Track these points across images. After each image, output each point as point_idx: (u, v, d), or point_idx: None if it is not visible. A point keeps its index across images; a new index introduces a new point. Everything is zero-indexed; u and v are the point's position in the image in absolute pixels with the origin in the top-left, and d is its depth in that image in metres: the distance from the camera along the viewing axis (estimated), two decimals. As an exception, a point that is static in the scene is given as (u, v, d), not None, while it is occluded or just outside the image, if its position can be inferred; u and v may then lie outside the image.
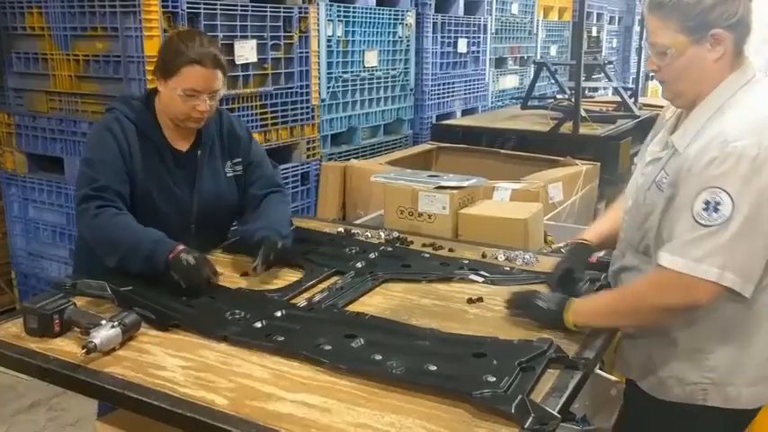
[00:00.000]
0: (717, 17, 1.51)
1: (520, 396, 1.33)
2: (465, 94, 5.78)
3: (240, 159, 2.26)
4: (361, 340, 1.58)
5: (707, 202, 1.44)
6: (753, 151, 1.43)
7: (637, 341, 1.73)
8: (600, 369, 2.46)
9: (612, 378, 2.34)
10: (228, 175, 2.23)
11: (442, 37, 5.31)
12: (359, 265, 2.10)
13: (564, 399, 1.39)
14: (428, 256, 2.24)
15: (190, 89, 1.98)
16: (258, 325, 1.68)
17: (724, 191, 1.42)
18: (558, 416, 1.31)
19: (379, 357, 1.50)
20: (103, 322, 1.59)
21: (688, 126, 1.60)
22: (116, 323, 1.58)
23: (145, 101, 2.13)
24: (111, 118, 2.07)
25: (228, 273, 2.10)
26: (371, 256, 2.19)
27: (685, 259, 1.45)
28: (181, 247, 1.89)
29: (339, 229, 2.51)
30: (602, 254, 2.00)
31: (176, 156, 2.12)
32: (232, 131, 2.26)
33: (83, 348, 1.52)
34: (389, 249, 2.27)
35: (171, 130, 2.11)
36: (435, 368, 1.45)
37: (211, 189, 2.17)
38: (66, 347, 1.60)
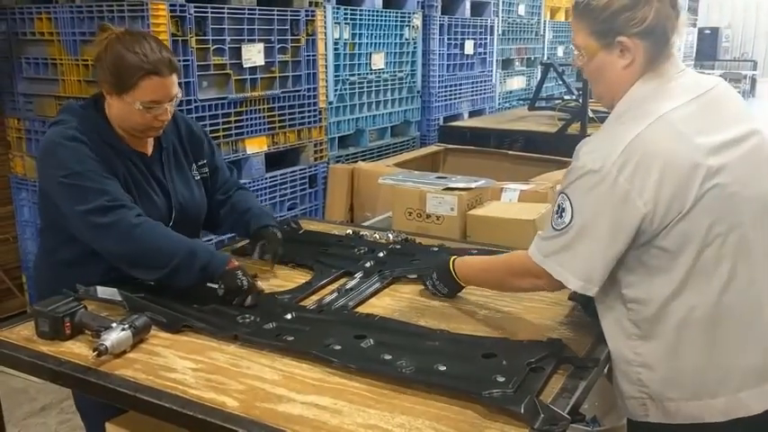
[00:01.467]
0: (623, 24, 1.48)
1: (529, 396, 1.33)
2: (472, 95, 5.79)
3: (205, 161, 2.19)
4: (371, 340, 1.59)
5: (558, 206, 1.52)
6: (596, 165, 1.44)
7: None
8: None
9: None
10: (196, 178, 2.15)
11: (449, 39, 5.31)
12: (368, 264, 2.11)
13: (574, 399, 1.39)
14: (437, 249, 2.24)
15: (149, 101, 1.85)
16: (268, 326, 1.69)
17: (568, 199, 1.49)
18: (568, 417, 1.31)
19: (388, 357, 1.50)
20: (114, 325, 1.59)
21: (598, 133, 1.59)
22: (126, 326, 1.59)
23: (93, 107, 1.96)
24: (63, 130, 1.87)
25: (238, 275, 2.10)
26: (380, 254, 2.19)
27: (538, 251, 1.56)
28: (236, 262, 1.87)
29: (347, 231, 2.51)
30: None
31: (145, 160, 2.00)
32: (192, 133, 2.16)
33: (94, 351, 1.53)
34: (398, 247, 2.28)
35: (128, 137, 1.97)
36: (445, 368, 1.45)
37: (183, 192, 2.08)
38: (76, 350, 1.61)
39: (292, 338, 1.62)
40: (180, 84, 2.63)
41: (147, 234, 1.81)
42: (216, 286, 1.83)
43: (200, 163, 2.17)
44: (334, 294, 1.91)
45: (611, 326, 1.58)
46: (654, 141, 1.43)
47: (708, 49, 14.13)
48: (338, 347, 1.56)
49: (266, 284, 2.02)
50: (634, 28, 1.48)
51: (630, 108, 1.51)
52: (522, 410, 1.29)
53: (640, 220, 1.43)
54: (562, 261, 1.51)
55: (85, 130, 1.89)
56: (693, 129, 1.46)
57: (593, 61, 1.55)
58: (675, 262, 1.46)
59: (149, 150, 2.03)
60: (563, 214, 1.50)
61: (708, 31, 14.36)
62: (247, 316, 1.74)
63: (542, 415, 1.28)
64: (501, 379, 1.39)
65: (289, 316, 1.75)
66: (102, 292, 1.83)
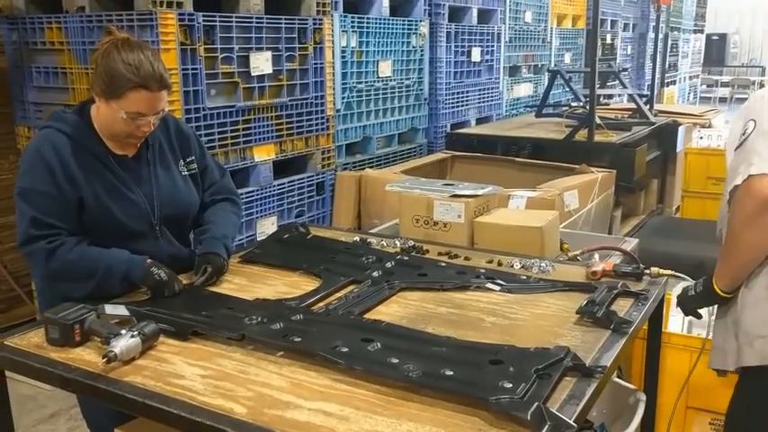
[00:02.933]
0: None
1: (536, 403, 1.33)
2: (479, 102, 5.79)
3: (193, 158, 2.22)
4: (378, 344, 1.59)
5: (744, 129, 1.79)
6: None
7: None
8: (618, 377, 2.45)
9: (631, 386, 2.33)
10: (183, 173, 2.18)
11: (456, 46, 5.33)
12: (375, 274, 2.11)
13: (581, 407, 1.39)
14: (444, 264, 2.24)
15: (134, 113, 1.91)
16: (275, 327, 1.70)
17: (754, 121, 1.76)
18: (574, 424, 1.31)
19: (395, 361, 1.51)
20: (123, 332, 1.60)
21: None
22: (135, 333, 1.60)
23: (79, 113, 2.04)
24: (42, 137, 1.99)
25: (245, 283, 2.11)
26: (388, 265, 2.19)
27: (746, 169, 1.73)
28: (149, 260, 1.95)
29: (355, 239, 2.52)
30: (618, 261, 1.99)
31: (121, 162, 2.04)
32: (180, 131, 2.21)
33: (103, 358, 1.54)
34: (406, 258, 2.28)
35: (110, 140, 2.03)
36: (452, 373, 1.46)
37: (168, 189, 2.11)
38: (86, 357, 1.62)
39: (299, 339, 1.63)
40: (188, 92, 2.65)
41: (64, 257, 1.91)
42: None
43: (188, 159, 2.20)
44: (342, 301, 1.92)
45: None
46: None
47: (716, 55, 14.11)
48: (345, 350, 1.57)
49: (275, 292, 2.03)
50: None
51: None
52: (529, 417, 1.29)
53: None
54: (749, 164, 1.70)
55: (61, 134, 1.97)
56: None
57: None
58: None
59: (132, 152, 2.07)
60: (745, 131, 1.77)
61: (716, 38, 14.34)
62: (254, 317, 1.75)
63: (549, 422, 1.28)
64: (508, 385, 1.39)
65: (296, 317, 1.76)
66: (111, 309, 1.83)
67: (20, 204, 1.96)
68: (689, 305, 2.02)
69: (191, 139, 2.24)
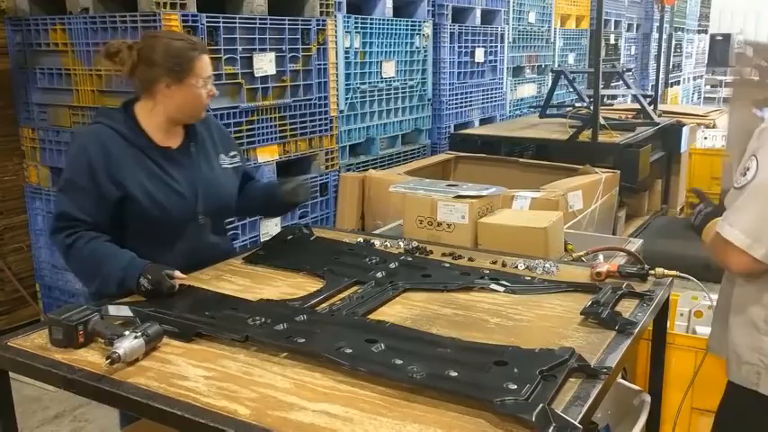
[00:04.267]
0: None
1: (541, 405, 1.32)
2: (483, 103, 5.79)
3: (236, 153, 2.36)
4: (382, 345, 1.59)
5: (743, 168, 1.57)
6: None
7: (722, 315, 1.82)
8: (622, 378, 2.44)
9: (635, 387, 2.32)
10: (224, 166, 2.28)
11: (460, 47, 5.33)
12: (379, 275, 2.11)
13: (585, 408, 1.39)
14: (448, 265, 2.23)
15: (207, 77, 2.11)
16: (279, 327, 1.70)
17: (756, 158, 1.53)
18: (580, 425, 1.30)
19: (399, 362, 1.50)
20: (127, 333, 1.60)
21: None
22: (139, 334, 1.60)
23: (123, 110, 2.15)
24: (91, 132, 2.11)
25: (249, 284, 2.11)
26: (392, 265, 2.19)
27: (723, 221, 1.59)
28: (147, 266, 1.97)
29: (359, 240, 2.52)
30: (622, 262, 1.98)
31: (166, 153, 2.14)
32: (219, 128, 2.37)
33: (107, 359, 1.54)
34: (409, 259, 2.28)
35: (158, 133, 2.14)
36: (456, 374, 1.45)
37: (211, 180, 2.21)
38: (90, 358, 1.62)
39: (303, 340, 1.62)
40: None
41: (75, 254, 2.02)
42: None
43: (231, 153, 2.33)
44: (346, 302, 1.91)
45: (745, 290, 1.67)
46: None
47: (720, 56, 14.07)
48: (349, 351, 1.56)
49: (278, 293, 2.02)
50: None
51: None
52: (534, 419, 1.29)
53: None
54: (734, 219, 1.56)
55: (109, 128, 2.08)
56: None
57: None
58: None
59: (177, 143, 2.19)
60: (747, 172, 1.56)
61: (719, 38, 14.30)
62: (258, 318, 1.75)
63: (554, 423, 1.28)
64: (513, 387, 1.39)
65: (300, 318, 1.76)
66: (114, 310, 1.84)
67: (59, 195, 2.09)
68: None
69: (230, 138, 2.41)
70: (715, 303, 1.93)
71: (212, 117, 2.39)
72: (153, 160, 2.11)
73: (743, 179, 1.56)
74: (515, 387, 1.38)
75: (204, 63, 2.11)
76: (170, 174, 2.12)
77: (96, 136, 2.07)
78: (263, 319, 1.75)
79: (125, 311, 1.81)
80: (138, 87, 2.13)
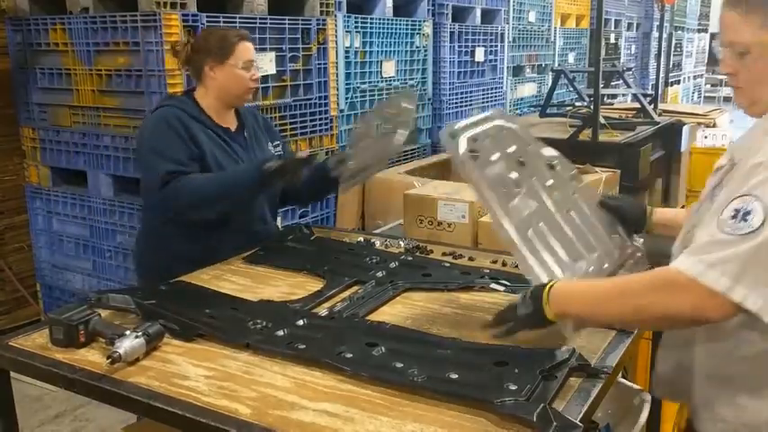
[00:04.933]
0: None
1: (542, 404, 1.32)
2: (483, 102, 5.79)
3: (279, 143, 2.54)
4: (383, 348, 1.59)
5: (736, 210, 1.24)
6: None
7: (671, 351, 1.59)
8: (623, 377, 2.44)
9: (636, 386, 2.32)
10: (272, 153, 2.46)
11: (460, 46, 5.33)
12: (379, 274, 2.11)
13: (586, 407, 1.39)
14: (448, 265, 2.24)
15: (248, 60, 2.31)
16: (279, 333, 1.70)
17: (759, 200, 1.23)
18: (580, 424, 1.31)
19: (400, 365, 1.50)
20: (127, 332, 1.60)
21: (754, 131, 1.44)
22: (140, 333, 1.60)
23: (187, 95, 2.38)
24: (161, 113, 2.27)
25: (250, 284, 2.11)
26: (392, 265, 2.19)
27: (696, 262, 1.25)
28: (264, 165, 2.14)
29: (359, 239, 2.52)
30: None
31: (228, 133, 2.36)
32: (264, 120, 2.58)
33: (107, 358, 1.54)
34: (409, 259, 2.28)
35: (217, 116, 2.35)
36: (456, 376, 1.45)
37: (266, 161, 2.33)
38: (91, 357, 1.62)
39: (304, 346, 1.62)
40: None
41: (197, 184, 2.15)
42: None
43: (275, 143, 2.52)
44: (346, 302, 1.92)
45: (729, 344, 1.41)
46: None
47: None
48: (350, 355, 1.56)
49: (279, 293, 2.03)
50: None
51: None
52: (535, 419, 1.29)
53: None
54: (740, 273, 1.21)
55: (180, 109, 2.27)
56: None
57: (765, 57, 1.35)
58: None
59: (233, 127, 2.40)
60: (747, 217, 1.22)
61: (720, 37, 14.28)
62: (259, 322, 1.75)
63: (555, 423, 1.28)
64: (513, 387, 1.39)
65: (300, 322, 1.76)
66: (115, 299, 1.85)
67: (151, 157, 2.20)
68: (516, 326, 1.56)
69: (273, 129, 2.60)
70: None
71: (256, 109, 2.62)
72: (219, 136, 2.31)
73: (744, 224, 1.23)
74: (515, 387, 1.38)
75: (245, 47, 2.30)
76: (235, 150, 2.33)
77: (168, 113, 2.25)
78: (263, 323, 1.75)
79: (126, 301, 1.83)
80: (193, 76, 2.38)
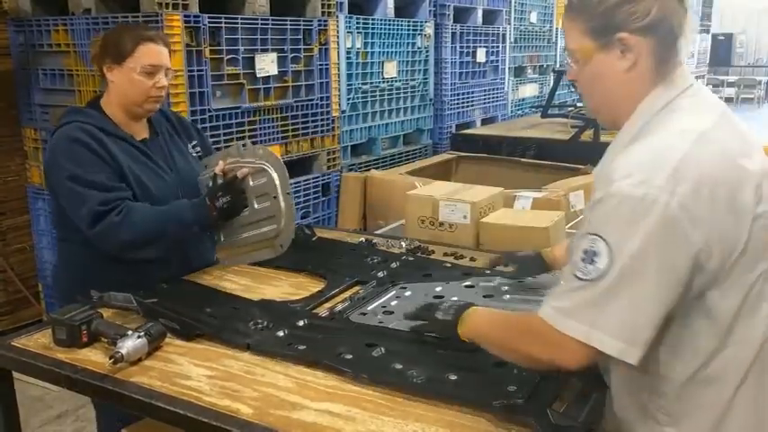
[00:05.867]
0: (623, 18, 1.26)
1: (542, 406, 1.33)
2: (484, 103, 5.79)
3: (196, 142, 2.34)
4: (382, 349, 1.59)
5: (585, 252, 1.19)
6: (639, 191, 1.15)
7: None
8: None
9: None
10: (192, 155, 2.31)
11: (461, 47, 5.33)
12: (380, 274, 2.11)
13: (586, 409, 1.39)
14: (450, 265, 2.24)
15: (148, 65, 2.05)
16: (280, 334, 1.70)
17: (602, 239, 1.17)
18: (580, 425, 1.31)
19: (399, 367, 1.51)
20: (130, 332, 1.61)
21: (607, 155, 1.38)
22: (142, 333, 1.61)
23: (92, 105, 2.15)
24: (69, 130, 2.04)
25: (251, 284, 2.12)
26: (393, 265, 2.19)
27: (555, 310, 1.21)
28: (208, 202, 2.07)
29: (360, 239, 2.52)
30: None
31: (145, 143, 2.16)
32: (180, 120, 2.37)
33: (110, 358, 1.55)
34: (411, 259, 2.28)
35: (126, 125, 2.13)
36: (456, 377, 1.46)
37: (186, 168, 2.23)
38: (93, 357, 1.63)
39: (304, 347, 1.63)
40: (194, 93, 2.72)
41: (134, 221, 1.97)
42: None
43: (192, 143, 2.33)
44: (347, 303, 1.92)
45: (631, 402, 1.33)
46: (708, 163, 1.18)
47: (722, 56, 14.08)
48: (349, 357, 1.57)
49: (280, 293, 2.03)
50: (636, 23, 1.26)
51: (652, 122, 1.28)
52: (535, 420, 1.29)
53: (693, 258, 1.16)
54: (594, 319, 1.17)
55: (87, 124, 2.05)
56: (737, 151, 1.24)
57: (588, 66, 1.32)
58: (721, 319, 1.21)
59: (146, 135, 2.19)
60: (595, 259, 1.18)
61: (721, 38, 14.31)
62: (260, 322, 1.76)
63: (555, 424, 1.28)
64: (512, 388, 1.39)
65: (301, 323, 1.76)
66: (117, 298, 1.85)
67: (75, 189, 1.98)
68: (428, 325, 1.60)
69: (190, 127, 2.38)
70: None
71: (169, 110, 2.39)
72: (137, 149, 2.12)
73: (591, 267, 1.17)
74: (515, 389, 1.39)
75: (148, 50, 2.05)
76: (155, 162, 2.14)
77: (75, 130, 2.02)
78: (264, 323, 1.75)
79: (127, 300, 1.83)
80: (101, 78, 2.16)
